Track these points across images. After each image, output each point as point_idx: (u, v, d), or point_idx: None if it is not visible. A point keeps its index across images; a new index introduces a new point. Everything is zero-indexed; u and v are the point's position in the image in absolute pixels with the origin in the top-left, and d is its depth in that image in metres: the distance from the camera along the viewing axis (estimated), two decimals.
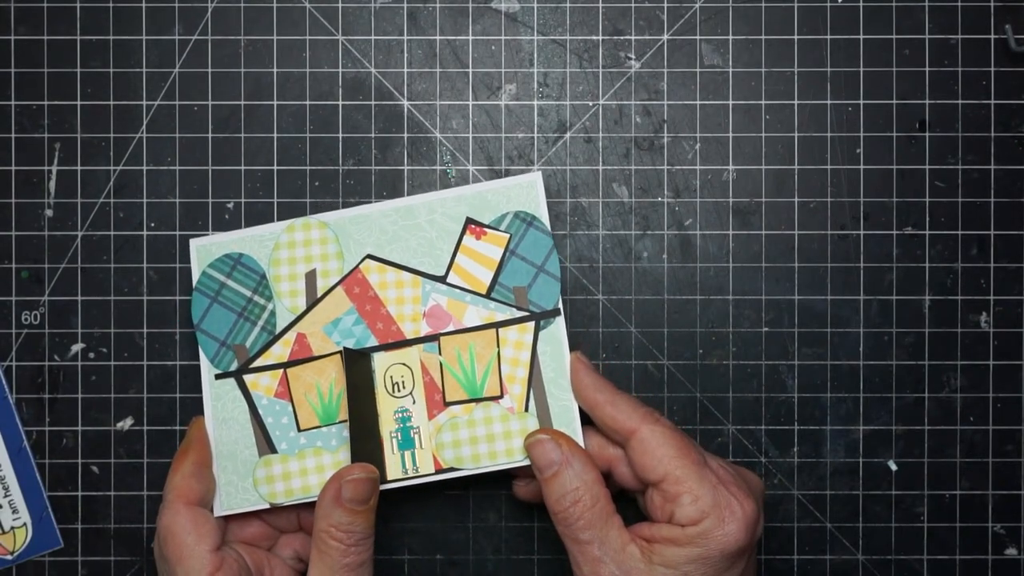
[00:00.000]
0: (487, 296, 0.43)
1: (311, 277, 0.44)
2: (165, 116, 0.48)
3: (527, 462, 0.42)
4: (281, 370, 0.44)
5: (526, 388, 0.43)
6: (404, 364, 0.44)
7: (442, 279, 0.44)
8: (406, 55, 0.48)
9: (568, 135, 0.48)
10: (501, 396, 0.43)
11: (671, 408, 0.48)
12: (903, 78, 0.48)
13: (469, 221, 0.44)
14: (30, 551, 0.48)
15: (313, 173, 0.48)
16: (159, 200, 0.48)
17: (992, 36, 0.48)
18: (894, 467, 0.48)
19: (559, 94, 0.48)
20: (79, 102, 0.48)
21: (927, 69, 0.48)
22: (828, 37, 0.48)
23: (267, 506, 0.43)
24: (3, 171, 0.48)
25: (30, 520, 0.48)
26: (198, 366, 0.47)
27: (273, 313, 0.44)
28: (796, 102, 0.48)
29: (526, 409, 0.43)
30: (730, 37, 0.48)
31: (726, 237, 0.48)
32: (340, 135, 0.48)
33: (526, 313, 0.43)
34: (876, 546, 0.48)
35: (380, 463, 0.43)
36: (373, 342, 0.44)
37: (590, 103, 0.48)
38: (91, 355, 0.48)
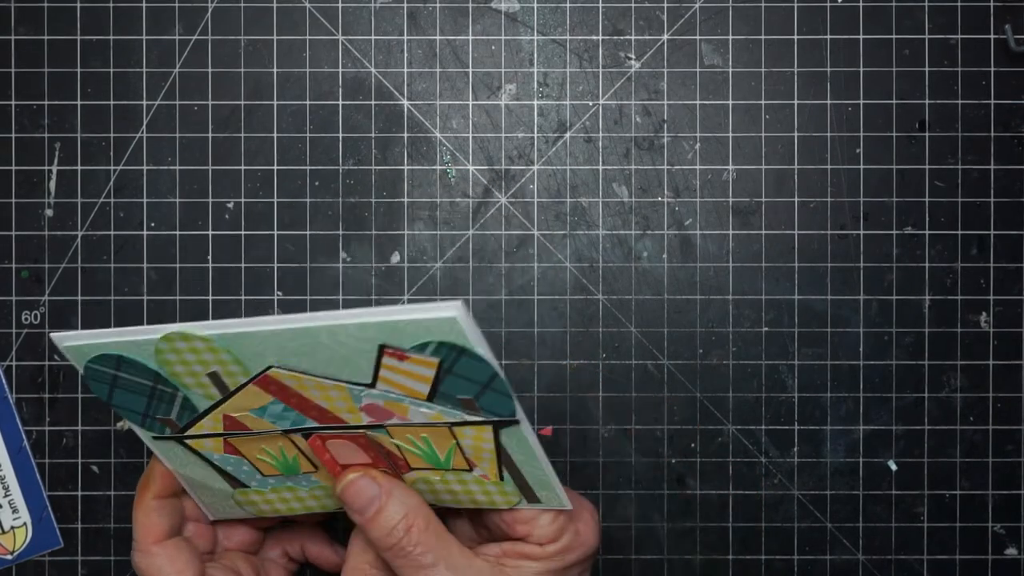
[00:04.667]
0: (429, 401, 0.36)
1: (215, 377, 0.36)
2: (165, 116, 0.48)
3: (517, 507, 0.39)
4: (222, 438, 0.39)
5: (496, 464, 0.38)
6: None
7: (370, 386, 0.36)
8: (406, 55, 0.48)
9: (568, 135, 0.48)
10: (471, 469, 0.39)
11: (671, 408, 0.48)
12: (903, 78, 0.48)
13: (384, 346, 0.34)
14: (30, 551, 0.48)
15: (313, 173, 0.48)
16: (159, 200, 0.48)
17: (992, 36, 0.48)
18: (894, 467, 0.48)
19: (559, 94, 0.48)
20: (79, 102, 0.48)
21: (927, 69, 0.48)
22: (828, 37, 0.48)
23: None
24: (3, 171, 0.48)
25: (30, 520, 0.48)
26: None
27: (187, 399, 0.37)
28: (796, 102, 0.48)
29: (501, 479, 0.39)
30: (730, 37, 0.48)
31: (726, 237, 0.48)
32: (340, 135, 0.48)
33: (480, 418, 0.37)
34: (876, 546, 0.48)
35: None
36: (312, 424, 0.38)
37: (590, 103, 0.48)
38: None
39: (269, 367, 0.36)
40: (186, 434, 0.38)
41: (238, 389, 0.37)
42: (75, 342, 0.36)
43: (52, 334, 0.36)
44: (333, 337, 0.34)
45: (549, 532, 0.39)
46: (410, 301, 0.48)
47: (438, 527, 0.38)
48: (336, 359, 0.35)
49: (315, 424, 0.37)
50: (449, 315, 0.33)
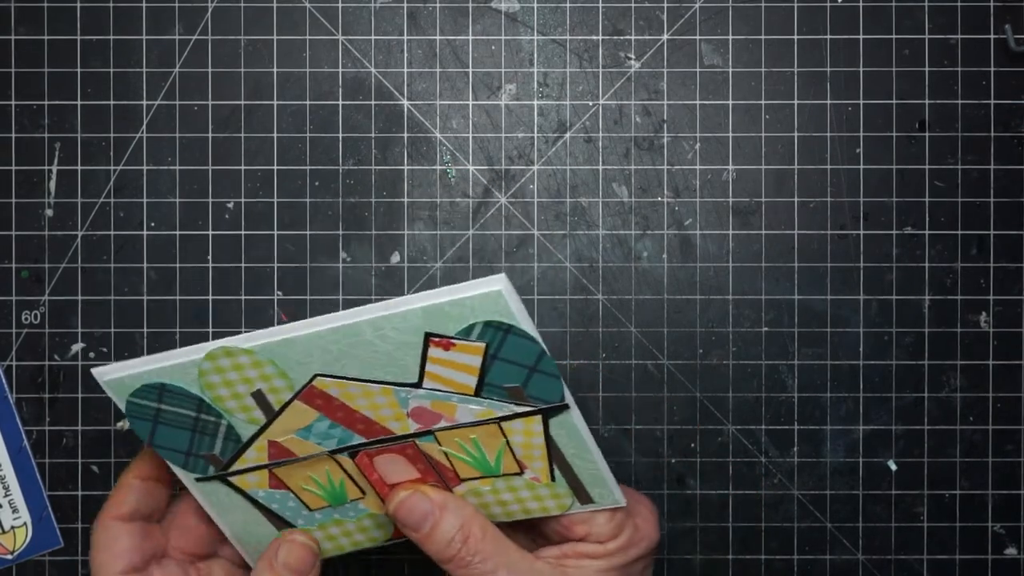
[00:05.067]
0: (477, 396, 0.36)
1: (259, 396, 0.36)
2: (165, 116, 0.48)
3: (569, 512, 0.39)
4: (267, 469, 0.38)
5: (547, 463, 0.38)
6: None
7: (416, 385, 0.35)
8: (406, 55, 0.48)
9: (568, 135, 0.48)
10: (522, 472, 0.38)
11: (671, 408, 0.48)
12: (903, 78, 0.48)
13: (429, 335, 0.34)
14: (30, 551, 0.48)
15: (313, 173, 0.48)
16: (159, 200, 0.48)
17: (992, 36, 0.48)
18: (894, 467, 0.48)
19: (559, 94, 0.48)
20: (79, 102, 0.48)
21: (927, 69, 0.48)
22: (828, 37, 0.48)
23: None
24: (3, 171, 0.48)
25: (30, 520, 0.48)
26: None
27: (231, 427, 0.37)
28: (796, 102, 0.48)
29: (552, 479, 0.38)
30: (730, 37, 0.48)
31: (726, 237, 0.48)
32: (340, 135, 0.48)
33: (529, 408, 0.36)
34: (876, 546, 0.48)
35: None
36: (358, 440, 0.37)
37: (590, 103, 0.48)
38: (91, 355, 0.48)
39: (314, 377, 0.35)
40: (230, 470, 0.38)
41: (283, 408, 0.36)
42: (117, 374, 0.35)
43: (93, 370, 0.36)
44: (377, 331, 0.34)
45: (608, 530, 0.38)
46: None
47: (495, 533, 0.38)
48: (381, 358, 0.34)
49: (362, 440, 0.37)
50: (494, 289, 0.32)
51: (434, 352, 0.34)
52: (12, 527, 0.48)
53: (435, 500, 0.37)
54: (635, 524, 0.39)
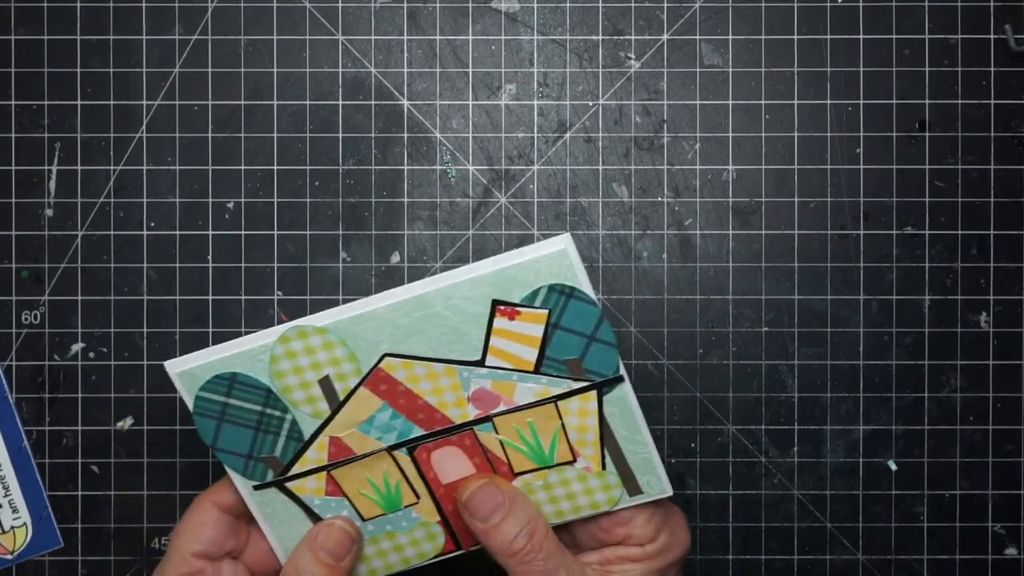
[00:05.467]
0: (536, 372, 0.37)
1: (326, 383, 0.37)
2: (165, 116, 0.48)
3: (617, 506, 0.40)
4: (325, 472, 0.39)
5: (599, 449, 0.39)
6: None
7: (479, 363, 0.37)
8: (406, 55, 0.48)
9: (568, 135, 0.48)
10: (574, 460, 0.39)
11: (671, 408, 0.48)
12: (903, 78, 0.48)
13: (496, 303, 0.36)
14: (30, 551, 0.48)
15: (313, 173, 0.48)
16: (159, 200, 0.48)
17: (992, 36, 0.48)
18: (894, 467, 0.48)
19: (559, 94, 0.48)
20: (79, 102, 0.48)
21: (927, 69, 0.48)
22: (828, 37, 0.48)
23: None
24: (3, 171, 0.48)
25: (30, 520, 0.48)
26: None
27: (295, 422, 0.38)
28: (796, 102, 0.48)
29: (603, 468, 0.39)
30: (730, 37, 0.48)
31: (726, 237, 0.48)
32: (340, 135, 0.48)
33: (585, 383, 0.38)
34: (876, 546, 0.48)
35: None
36: (418, 432, 0.38)
37: (590, 103, 0.48)
38: (91, 355, 0.48)
39: (382, 357, 0.37)
40: (289, 473, 0.38)
41: (348, 396, 0.37)
42: (188, 366, 0.37)
43: (165, 363, 0.37)
44: (447, 302, 0.36)
45: (647, 532, 0.39)
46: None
47: (554, 535, 0.39)
48: (448, 333, 0.36)
49: (422, 431, 0.38)
50: (559, 248, 0.35)
51: (500, 323, 0.36)
52: (12, 527, 0.48)
53: (506, 493, 0.38)
54: (671, 528, 0.40)
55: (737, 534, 0.48)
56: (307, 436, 0.38)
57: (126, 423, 0.48)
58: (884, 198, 0.48)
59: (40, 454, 0.48)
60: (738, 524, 0.48)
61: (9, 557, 0.48)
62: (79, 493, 0.48)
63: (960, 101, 0.48)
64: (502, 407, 0.38)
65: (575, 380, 0.37)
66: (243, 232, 0.48)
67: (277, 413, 0.38)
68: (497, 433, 0.38)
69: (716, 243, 0.48)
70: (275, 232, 0.48)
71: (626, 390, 0.38)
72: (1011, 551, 0.48)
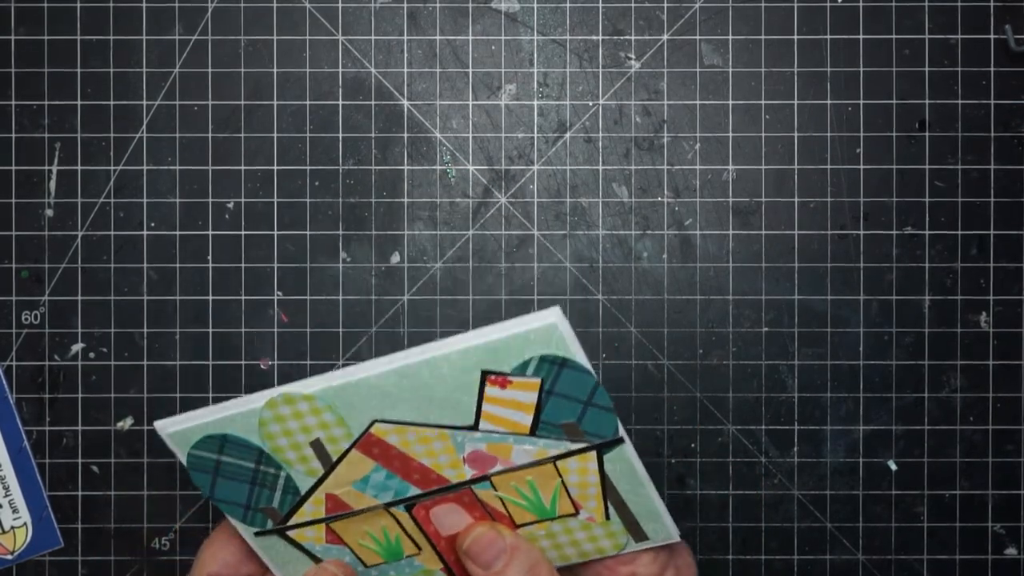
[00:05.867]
0: (532, 435, 0.36)
1: (318, 445, 0.37)
2: (165, 116, 0.48)
3: (624, 552, 0.39)
4: (324, 524, 0.38)
5: (602, 501, 0.38)
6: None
7: (472, 428, 0.36)
8: (406, 55, 0.48)
9: (568, 135, 0.48)
10: (577, 512, 0.38)
11: (671, 408, 0.48)
12: (903, 78, 0.48)
13: (486, 373, 0.35)
14: (30, 551, 0.48)
15: (313, 173, 0.48)
16: (159, 200, 0.48)
17: (992, 36, 0.48)
18: (894, 467, 0.48)
19: (559, 94, 0.48)
20: (79, 102, 0.48)
21: (927, 69, 0.48)
22: (828, 37, 0.48)
23: None
24: (3, 171, 0.48)
25: (30, 520, 0.48)
26: (198, 366, 0.47)
27: (289, 478, 0.37)
28: (796, 102, 0.48)
29: (607, 518, 0.38)
30: (730, 37, 0.48)
31: (726, 237, 0.48)
32: (340, 135, 0.48)
33: (584, 444, 0.36)
34: (876, 546, 0.48)
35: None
36: (414, 492, 0.38)
37: (590, 103, 0.48)
38: (91, 355, 0.48)
39: (372, 423, 0.36)
40: (288, 524, 0.38)
41: (341, 457, 0.37)
42: (179, 427, 0.36)
43: (156, 423, 0.36)
44: (435, 372, 0.35)
45: (653, 570, 0.39)
46: (412, 301, 0.48)
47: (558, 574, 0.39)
48: (439, 399, 0.35)
49: (418, 491, 0.37)
50: (549, 322, 0.33)
51: (491, 391, 0.35)
52: (12, 527, 0.48)
53: (508, 539, 0.38)
54: (677, 564, 0.39)
55: (737, 534, 0.48)
56: (303, 492, 0.38)
57: (126, 423, 0.48)
58: (884, 198, 0.48)
59: (40, 454, 0.48)
60: (738, 524, 0.48)
61: (9, 557, 0.48)
62: (79, 493, 0.48)
63: (960, 101, 0.48)
64: (499, 467, 0.37)
65: (573, 442, 0.36)
66: (243, 232, 0.48)
67: (271, 471, 0.37)
68: (496, 491, 0.38)
69: (716, 243, 0.48)
70: (275, 232, 0.48)
71: (627, 451, 0.37)
72: (1011, 551, 0.48)
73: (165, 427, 0.36)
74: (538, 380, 0.35)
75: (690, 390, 0.48)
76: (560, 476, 0.37)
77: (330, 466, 0.37)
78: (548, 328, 0.34)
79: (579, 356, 0.34)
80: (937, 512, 0.48)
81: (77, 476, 0.48)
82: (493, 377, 0.35)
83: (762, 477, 0.48)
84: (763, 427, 0.48)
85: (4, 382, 0.48)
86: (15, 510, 0.48)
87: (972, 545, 0.48)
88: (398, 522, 0.39)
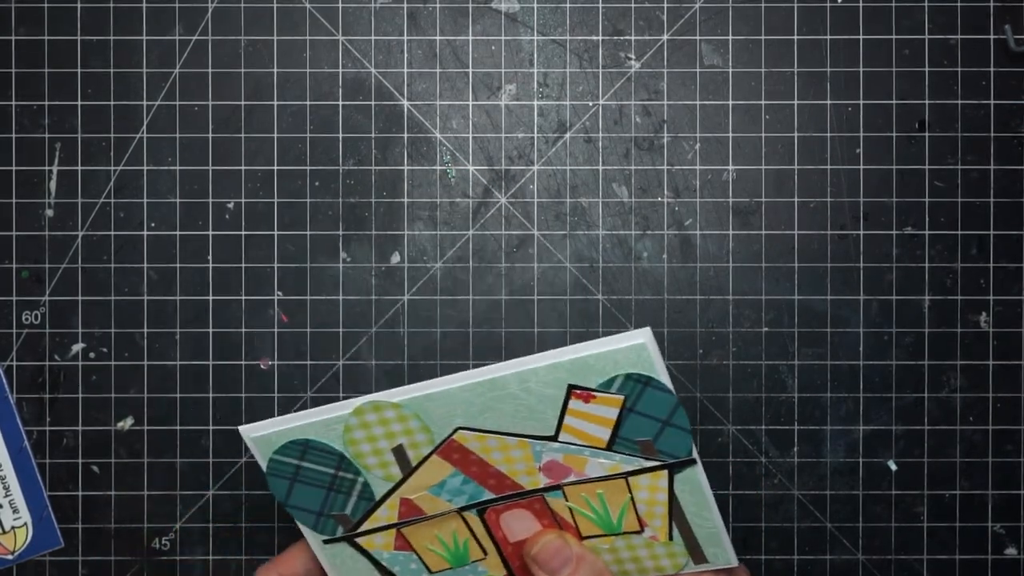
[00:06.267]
0: (608, 449, 0.37)
1: (399, 451, 0.38)
2: (165, 116, 0.48)
3: (683, 572, 0.40)
4: (394, 529, 0.39)
5: (667, 521, 0.39)
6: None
7: (552, 438, 0.37)
8: (406, 55, 0.48)
9: (568, 135, 0.48)
10: (642, 530, 0.39)
11: None
12: (903, 78, 0.48)
13: (572, 387, 0.36)
14: (31, 551, 0.48)
15: (313, 173, 0.48)
16: (159, 200, 0.48)
17: (992, 36, 0.48)
18: (894, 467, 0.48)
19: (559, 94, 0.48)
20: (79, 102, 0.48)
21: (927, 69, 0.48)
22: (828, 37, 0.48)
23: None
24: (3, 171, 0.48)
25: (30, 520, 0.48)
26: (198, 366, 0.47)
27: (367, 484, 0.38)
28: (796, 102, 0.48)
29: (670, 538, 0.39)
30: (730, 37, 0.48)
31: (726, 237, 0.48)
32: (340, 135, 0.48)
33: (657, 463, 0.37)
34: (876, 546, 0.48)
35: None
36: (488, 496, 0.39)
37: (590, 103, 0.48)
38: (91, 355, 0.48)
39: (456, 430, 0.37)
40: (359, 530, 0.39)
41: (421, 463, 0.38)
42: (264, 432, 0.37)
43: (240, 428, 0.37)
44: (523, 384, 0.36)
45: None
46: (412, 301, 0.48)
47: None
48: (522, 411, 0.36)
49: (492, 496, 0.38)
50: (638, 342, 0.35)
51: (574, 405, 0.36)
52: (12, 527, 0.48)
53: (575, 548, 0.39)
54: None
55: (737, 534, 0.48)
56: (378, 497, 0.38)
57: (126, 423, 0.48)
58: (884, 198, 0.48)
59: (40, 454, 0.48)
60: (738, 524, 0.48)
61: (9, 557, 0.48)
62: (79, 493, 0.48)
63: (960, 101, 0.48)
64: (572, 478, 0.38)
65: (647, 459, 0.37)
66: (243, 232, 0.48)
67: (349, 476, 0.38)
68: (567, 500, 0.39)
69: (716, 243, 0.48)
70: (275, 232, 0.48)
71: (697, 472, 0.38)
72: (1011, 551, 0.48)
73: (249, 432, 0.37)
74: (621, 397, 0.36)
75: (690, 390, 0.48)
76: (630, 492, 0.38)
77: (409, 470, 0.38)
78: (637, 348, 0.35)
79: (663, 376, 0.36)
80: (937, 512, 0.48)
81: (77, 476, 0.48)
82: (579, 391, 0.36)
83: (762, 477, 0.48)
84: (763, 427, 0.48)
85: (4, 382, 0.48)
86: (15, 510, 0.48)
87: (972, 545, 0.48)
88: (468, 526, 0.40)
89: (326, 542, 0.39)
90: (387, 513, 0.39)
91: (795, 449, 0.48)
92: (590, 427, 0.37)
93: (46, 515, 0.48)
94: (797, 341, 0.48)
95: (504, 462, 0.38)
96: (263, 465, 0.38)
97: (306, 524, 0.39)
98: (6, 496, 0.47)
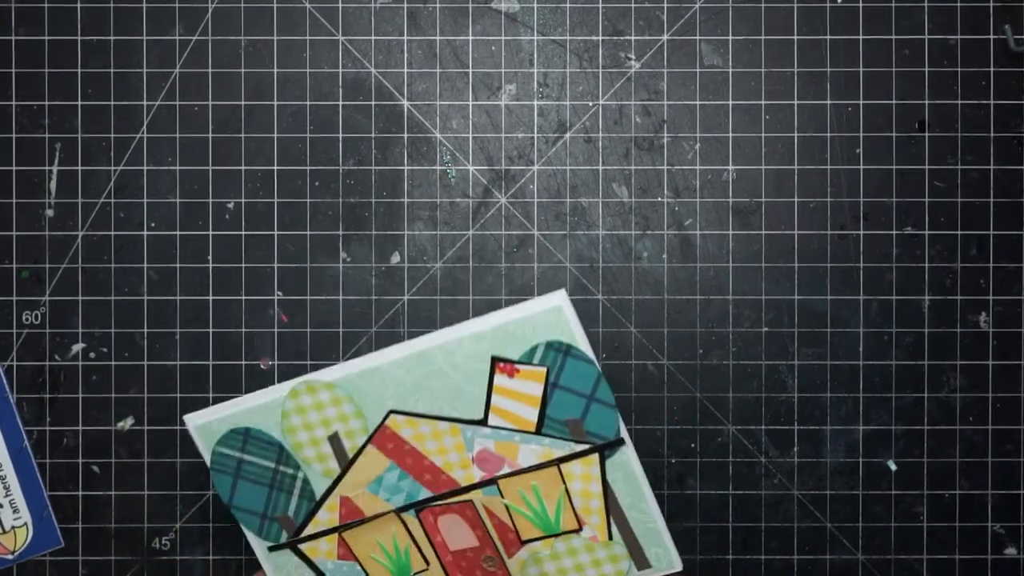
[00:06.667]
0: (538, 433, 0.38)
1: (335, 440, 0.38)
2: (165, 116, 0.48)
3: None
4: (336, 534, 0.40)
5: (604, 517, 0.39)
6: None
7: (482, 422, 0.38)
8: (406, 55, 0.48)
9: (568, 135, 0.48)
10: (580, 528, 0.39)
11: (671, 408, 0.48)
12: (903, 78, 0.48)
13: (496, 359, 0.37)
14: (31, 550, 0.48)
15: (313, 173, 0.48)
16: (159, 200, 0.48)
17: (992, 36, 0.48)
18: (894, 467, 0.48)
19: (559, 94, 0.48)
20: (79, 102, 0.48)
21: (927, 69, 0.48)
22: (828, 37, 0.48)
23: None
24: (3, 171, 0.48)
25: (31, 520, 0.48)
26: (198, 366, 0.47)
27: (307, 480, 0.39)
28: (796, 102, 0.48)
29: (610, 537, 0.40)
30: (730, 37, 0.48)
31: (726, 237, 0.48)
32: (340, 135, 0.48)
33: (587, 445, 0.38)
34: (876, 546, 0.48)
35: None
36: (425, 494, 0.39)
37: (590, 103, 0.48)
38: (91, 355, 0.48)
39: (388, 414, 0.38)
40: (302, 535, 0.40)
41: (357, 454, 0.38)
42: (205, 419, 0.39)
43: (185, 416, 0.39)
44: (449, 359, 0.37)
45: None
46: (412, 301, 0.48)
47: None
48: (451, 390, 0.38)
49: (429, 493, 0.39)
50: (554, 304, 0.37)
51: (500, 380, 0.37)
52: (13, 527, 0.48)
53: None
54: None
55: (737, 534, 0.48)
56: (319, 495, 0.39)
57: (126, 423, 0.48)
58: (884, 198, 0.48)
59: (40, 454, 0.48)
60: (738, 524, 0.48)
61: (10, 557, 0.48)
62: (79, 493, 0.48)
63: (960, 101, 0.48)
64: (506, 469, 0.38)
65: (577, 443, 0.38)
66: (243, 232, 0.48)
67: (290, 471, 0.39)
68: (503, 497, 0.39)
69: (716, 243, 0.48)
70: (275, 232, 0.48)
71: (628, 454, 0.38)
72: (1011, 551, 0.48)
73: (193, 419, 0.39)
74: (544, 369, 0.37)
75: (690, 390, 0.48)
76: (564, 483, 0.38)
77: (347, 464, 0.38)
78: (554, 311, 0.36)
79: (582, 343, 0.37)
80: (937, 512, 0.48)
81: (77, 476, 0.48)
82: (502, 365, 0.37)
83: (762, 477, 0.48)
84: (763, 427, 0.48)
85: (4, 382, 0.48)
86: (15, 510, 0.48)
87: (972, 545, 0.48)
88: (408, 530, 0.40)
89: (271, 549, 0.40)
90: (328, 516, 0.39)
91: (795, 449, 0.48)
92: (517, 407, 0.38)
93: (46, 515, 0.48)
94: (797, 341, 0.48)
95: (438, 452, 0.38)
96: (207, 459, 0.39)
97: (251, 528, 0.40)
98: (6, 496, 0.47)
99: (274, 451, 0.39)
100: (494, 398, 0.38)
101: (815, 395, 0.48)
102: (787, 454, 0.48)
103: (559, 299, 0.36)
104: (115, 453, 0.48)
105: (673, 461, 0.48)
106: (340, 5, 0.48)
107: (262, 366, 0.48)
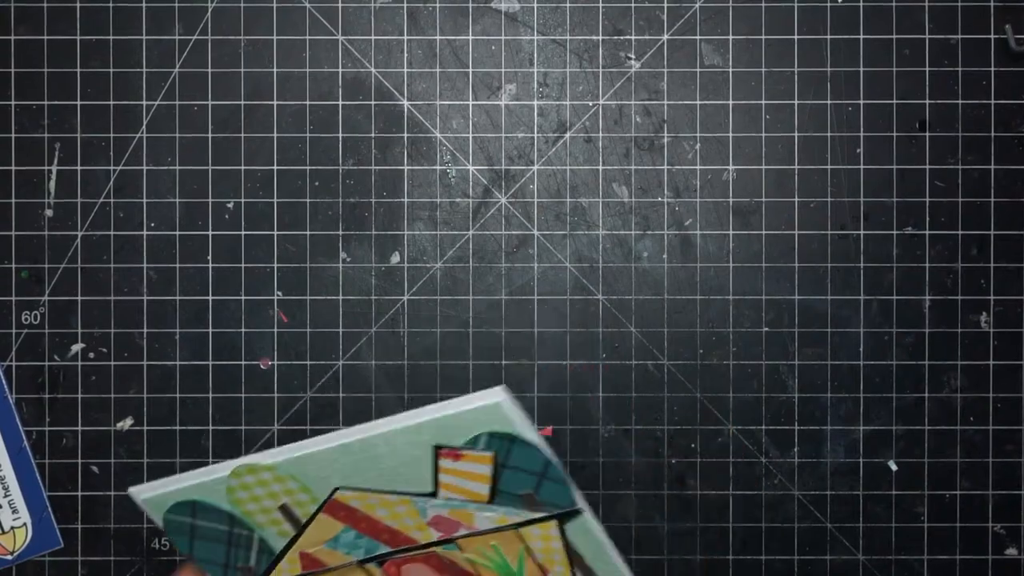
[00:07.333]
0: (491, 503, 0.37)
1: (286, 510, 0.38)
2: (165, 116, 0.48)
3: None
4: None
5: (568, 568, 0.38)
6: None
7: (432, 495, 0.37)
8: (406, 55, 0.48)
9: (568, 135, 0.48)
10: (544, 574, 0.39)
11: (671, 408, 0.48)
12: (903, 78, 0.48)
13: (438, 447, 0.36)
14: (30, 551, 0.48)
15: (313, 173, 0.48)
16: (159, 200, 0.48)
17: (992, 36, 0.48)
18: (894, 467, 0.48)
19: (559, 94, 0.48)
20: (79, 102, 0.48)
21: (927, 69, 0.48)
22: (828, 37, 0.48)
23: None
24: (3, 171, 0.48)
25: (30, 520, 0.48)
26: (198, 366, 0.47)
27: (263, 539, 0.38)
28: (796, 102, 0.48)
29: None
30: (730, 37, 0.48)
31: (726, 237, 0.48)
32: (340, 135, 0.48)
33: (543, 514, 0.37)
34: (876, 546, 0.48)
35: None
36: (384, 549, 0.38)
37: (590, 103, 0.48)
38: (91, 355, 0.48)
39: (335, 490, 0.37)
40: None
41: (309, 520, 0.38)
42: (151, 493, 0.37)
43: (130, 489, 0.38)
44: (389, 445, 0.36)
45: None
46: (412, 301, 0.48)
47: None
48: (396, 469, 0.36)
49: (388, 549, 0.38)
50: (492, 401, 0.34)
51: (444, 463, 0.36)
52: (12, 527, 0.47)
53: None
54: None
55: (737, 534, 0.48)
56: (277, 550, 0.38)
57: (126, 423, 0.48)
58: (884, 198, 0.48)
59: (40, 454, 0.48)
60: (738, 524, 0.48)
61: (9, 557, 0.48)
62: (79, 493, 0.48)
63: (960, 101, 0.48)
64: (463, 531, 0.38)
65: (532, 511, 0.37)
66: (243, 232, 0.48)
67: (244, 532, 0.38)
68: (463, 552, 0.38)
69: (716, 243, 0.48)
70: (275, 232, 0.48)
71: (588, 520, 0.37)
72: (1011, 551, 0.48)
73: (139, 493, 0.37)
74: (491, 453, 0.35)
75: (690, 390, 0.48)
76: (524, 542, 0.38)
77: (300, 528, 0.38)
78: (492, 408, 0.34)
79: (527, 433, 0.35)
80: (937, 512, 0.48)
81: (77, 476, 0.48)
82: (445, 451, 0.36)
83: (762, 477, 0.48)
84: (763, 427, 0.48)
85: (4, 382, 0.48)
86: (15, 510, 0.48)
87: (972, 545, 0.48)
88: None
89: None
90: (289, 566, 0.39)
91: (795, 449, 0.48)
92: (467, 483, 0.37)
93: (46, 515, 0.48)
94: (797, 341, 0.48)
95: (391, 518, 0.38)
96: (159, 524, 0.38)
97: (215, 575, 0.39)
98: (6, 496, 0.47)
99: (224, 517, 0.38)
100: (441, 476, 0.36)
101: (815, 395, 0.48)
102: (787, 454, 0.48)
103: (498, 396, 0.34)
104: (115, 453, 0.48)
105: (673, 461, 0.48)
106: (340, 5, 0.48)
107: (262, 366, 0.48)
